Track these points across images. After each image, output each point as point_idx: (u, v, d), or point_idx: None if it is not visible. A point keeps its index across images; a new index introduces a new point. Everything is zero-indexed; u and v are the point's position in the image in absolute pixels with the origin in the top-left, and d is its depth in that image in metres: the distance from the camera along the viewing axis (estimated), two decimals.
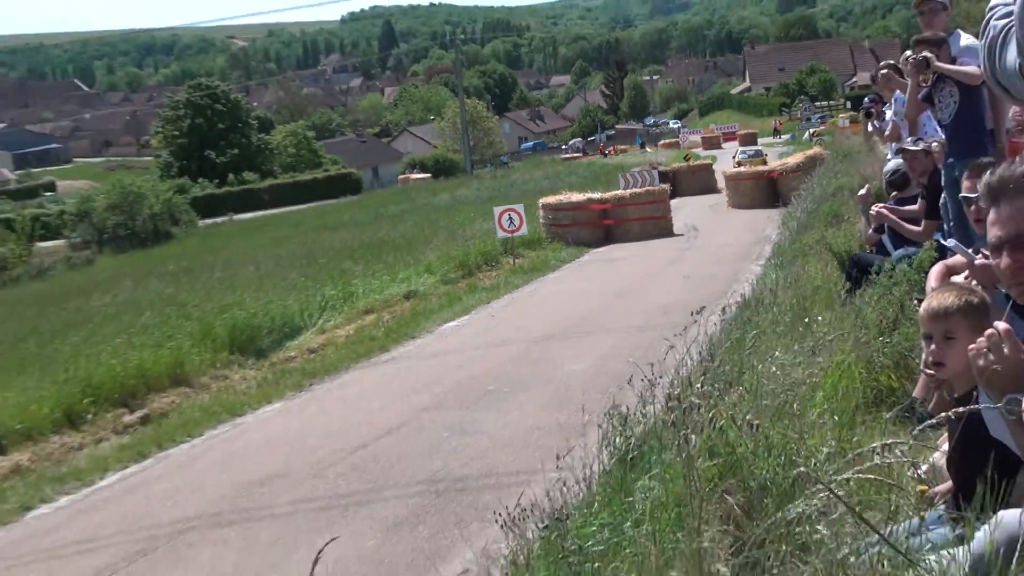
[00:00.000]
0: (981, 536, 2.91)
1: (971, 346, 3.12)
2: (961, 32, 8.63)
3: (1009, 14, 1.76)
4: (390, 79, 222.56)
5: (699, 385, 6.51)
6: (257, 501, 8.92)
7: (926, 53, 8.27)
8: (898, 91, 11.14)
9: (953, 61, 8.21)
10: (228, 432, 11.97)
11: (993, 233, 3.04)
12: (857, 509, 3.84)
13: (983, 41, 1.88)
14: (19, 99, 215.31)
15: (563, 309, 16.83)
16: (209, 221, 63.64)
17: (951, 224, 8.02)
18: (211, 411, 13.01)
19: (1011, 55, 1.80)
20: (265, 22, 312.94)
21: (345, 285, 20.83)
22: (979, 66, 7.60)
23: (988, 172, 3.20)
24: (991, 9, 1.85)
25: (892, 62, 12.12)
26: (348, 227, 39.58)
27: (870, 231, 10.76)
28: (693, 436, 4.91)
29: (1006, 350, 2.96)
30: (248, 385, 14.64)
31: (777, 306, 10.40)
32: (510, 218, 24.88)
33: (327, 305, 19.17)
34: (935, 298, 4.25)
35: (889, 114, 12.47)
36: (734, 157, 50.74)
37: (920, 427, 4.38)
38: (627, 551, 4.54)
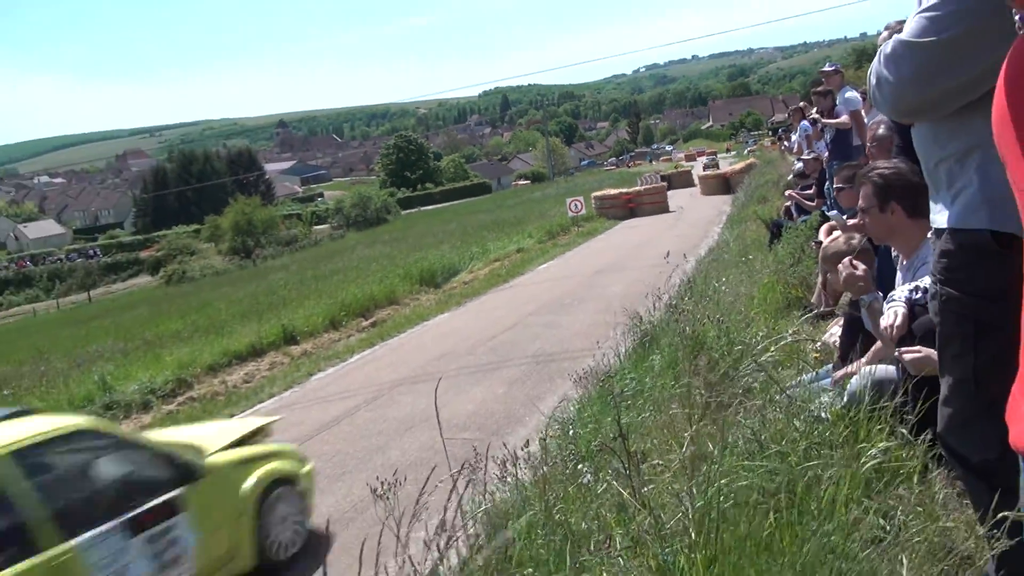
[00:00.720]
0: (855, 381, 2.93)
1: (839, 267, 3.18)
2: (849, 87, 8.36)
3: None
4: (506, 127, 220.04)
5: (684, 298, 6.39)
6: (437, 368, 8.99)
7: (813, 112, 8.45)
8: (803, 122, 11.01)
9: (833, 105, 8.09)
10: (419, 330, 12.08)
11: (860, 204, 3.01)
12: (778, 369, 3.74)
13: (869, 79, 1.96)
14: (303, 147, 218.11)
15: (606, 255, 16.60)
16: (407, 211, 64.21)
17: (831, 201, 7.80)
18: (410, 318, 13.15)
19: (876, 95, 1.94)
20: (436, 98, 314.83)
21: (483, 245, 20.87)
22: (850, 112, 7.33)
23: (866, 169, 3.17)
24: (871, 70, 1.97)
25: (795, 107, 12.37)
26: (483, 212, 39.50)
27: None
28: (681, 327, 4.82)
29: (852, 270, 3.15)
30: (430, 303, 14.74)
31: (729, 251, 10.18)
32: (576, 204, 24.78)
33: (473, 256, 19.24)
34: (831, 244, 4.11)
35: (795, 137, 12.46)
36: (703, 165, 49.71)
37: (811, 317, 4.24)
38: (646, 394, 4.48)
